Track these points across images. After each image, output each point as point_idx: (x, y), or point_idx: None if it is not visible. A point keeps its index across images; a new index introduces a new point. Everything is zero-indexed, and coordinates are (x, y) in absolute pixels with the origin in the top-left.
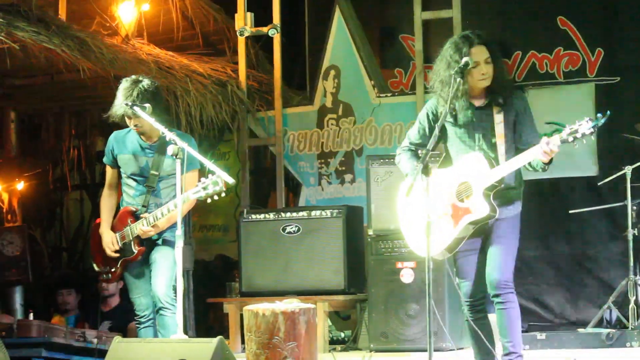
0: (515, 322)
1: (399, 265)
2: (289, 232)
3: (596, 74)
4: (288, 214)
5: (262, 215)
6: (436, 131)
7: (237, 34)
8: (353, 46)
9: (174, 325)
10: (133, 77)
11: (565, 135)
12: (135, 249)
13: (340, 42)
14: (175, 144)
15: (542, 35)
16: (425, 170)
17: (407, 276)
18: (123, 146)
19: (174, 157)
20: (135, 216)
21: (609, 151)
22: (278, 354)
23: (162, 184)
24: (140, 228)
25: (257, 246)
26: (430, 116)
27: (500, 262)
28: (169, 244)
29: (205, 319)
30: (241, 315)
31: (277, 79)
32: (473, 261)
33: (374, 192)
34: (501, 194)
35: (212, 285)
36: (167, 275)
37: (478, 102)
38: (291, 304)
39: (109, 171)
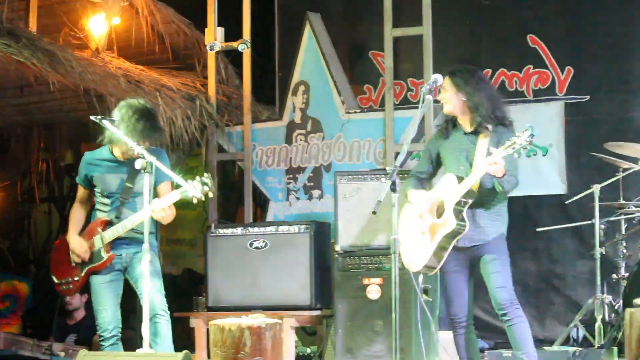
0: (526, 334)
1: (366, 281)
2: (257, 247)
3: (565, 93)
4: (256, 229)
5: (229, 230)
6: (405, 148)
7: (207, 48)
8: (323, 62)
9: (168, 333)
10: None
11: (505, 148)
12: (105, 255)
13: (310, 58)
14: (144, 157)
15: (512, 53)
16: (393, 187)
17: (373, 292)
18: (97, 166)
19: (143, 170)
20: (107, 225)
21: (577, 169)
22: None
23: (138, 199)
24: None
25: (225, 261)
26: (429, 145)
27: (501, 282)
28: (152, 256)
29: (172, 333)
30: (207, 330)
31: (247, 94)
32: (460, 280)
33: (342, 208)
34: (480, 215)
35: (179, 300)
36: (159, 283)
37: (467, 129)
38: (257, 319)
39: (81, 190)
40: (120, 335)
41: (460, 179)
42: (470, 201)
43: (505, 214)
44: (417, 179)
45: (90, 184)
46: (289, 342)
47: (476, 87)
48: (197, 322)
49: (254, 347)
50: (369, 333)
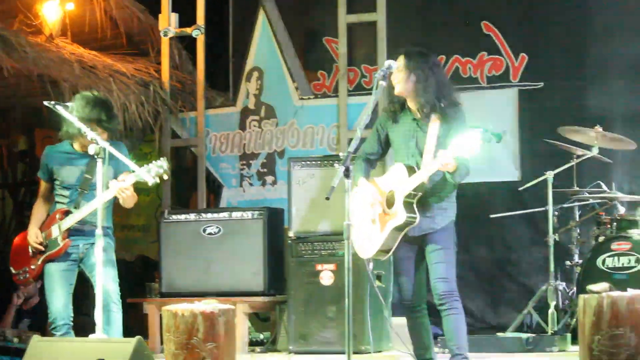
0: (461, 327)
1: (319, 267)
2: (210, 233)
3: (520, 79)
4: (209, 215)
5: (183, 216)
6: (358, 134)
7: (161, 34)
8: (277, 48)
9: (120, 322)
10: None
11: (457, 147)
12: (61, 242)
13: (264, 44)
14: (97, 143)
15: (466, 39)
16: (347, 173)
17: (326, 278)
18: (57, 159)
19: (96, 156)
20: (66, 214)
21: (531, 156)
22: (196, 355)
23: (97, 190)
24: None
25: (178, 247)
26: (378, 126)
27: (443, 273)
28: (108, 246)
29: (125, 319)
30: (160, 316)
31: (200, 80)
32: (411, 267)
33: (295, 194)
34: (430, 204)
35: (132, 286)
36: (114, 273)
37: (417, 114)
38: (210, 305)
39: (43, 184)
40: (71, 323)
41: (410, 169)
42: (420, 194)
43: (454, 201)
44: (367, 161)
45: (50, 177)
46: (242, 328)
47: (428, 72)
48: (150, 308)
49: (206, 333)
50: (322, 319)
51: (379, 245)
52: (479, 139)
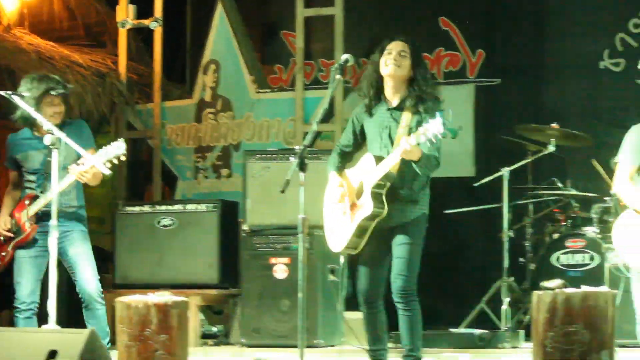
0: (416, 328)
1: (273, 260)
2: (164, 225)
3: (476, 75)
4: (163, 207)
5: (137, 208)
6: (314, 127)
7: (119, 26)
8: (234, 41)
9: (104, 316)
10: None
11: (417, 135)
12: (28, 228)
13: (222, 37)
14: (53, 133)
15: (423, 35)
16: (302, 166)
17: (280, 272)
18: (20, 146)
19: (52, 146)
20: (34, 199)
21: (486, 152)
22: (149, 347)
23: (61, 172)
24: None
25: (132, 239)
26: (354, 118)
27: (405, 270)
28: (84, 236)
29: (79, 311)
30: (114, 307)
31: (157, 71)
32: (376, 259)
33: (250, 187)
34: (400, 196)
35: None
36: (94, 270)
37: (392, 102)
38: (164, 297)
39: (11, 173)
40: (37, 310)
41: (379, 159)
42: (389, 184)
43: (427, 194)
44: (341, 154)
45: (17, 165)
46: (195, 321)
47: (423, 61)
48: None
49: (159, 325)
50: (275, 313)
51: (349, 236)
52: (440, 124)
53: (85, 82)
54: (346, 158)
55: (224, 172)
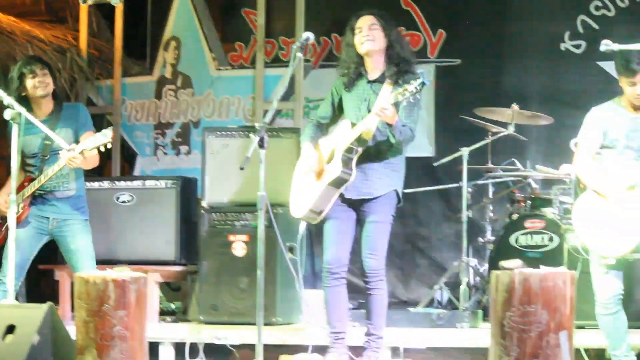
0: (380, 307)
1: (232, 238)
2: (123, 202)
3: (437, 56)
4: (122, 183)
5: (96, 184)
6: (274, 105)
7: (80, 1)
8: (195, 18)
9: None
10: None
11: (396, 94)
12: (21, 209)
13: (183, 14)
14: (13, 108)
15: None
16: (261, 143)
17: (239, 249)
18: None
19: (12, 121)
20: (31, 181)
21: (446, 133)
22: (107, 322)
23: (54, 157)
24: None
25: (91, 214)
26: (333, 90)
27: (373, 248)
28: (85, 227)
29: (37, 286)
30: (72, 283)
31: (118, 48)
32: (341, 229)
33: (209, 165)
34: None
35: (44, 252)
36: (94, 268)
37: (372, 75)
38: (122, 273)
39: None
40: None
41: (354, 125)
42: (360, 150)
43: (401, 170)
44: (318, 126)
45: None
46: (153, 297)
47: (394, 27)
48: (61, 275)
49: (117, 301)
50: (233, 290)
51: (313, 201)
52: (419, 86)
53: (46, 57)
54: (321, 130)
55: (184, 148)
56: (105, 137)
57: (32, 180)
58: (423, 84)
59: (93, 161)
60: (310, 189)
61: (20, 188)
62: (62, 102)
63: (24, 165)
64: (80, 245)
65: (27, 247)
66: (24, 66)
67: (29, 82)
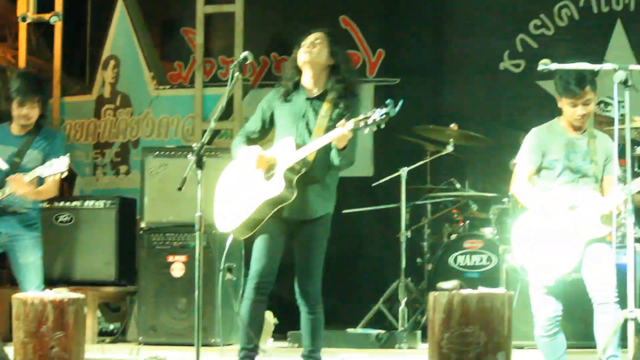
0: (318, 330)
1: (170, 258)
2: (62, 222)
3: (376, 75)
4: (61, 204)
5: None
6: (212, 125)
7: (19, 19)
8: (134, 37)
9: None
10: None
11: (358, 121)
12: None
13: (122, 32)
14: None
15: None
16: (199, 164)
17: (177, 270)
18: None
19: None
20: None
21: (385, 152)
22: (45, 344)
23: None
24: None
25: None
26: (263, 105)
27: (312, 274)
28: (36, 243)
29: None
30: (10, 304)
31: (57, 66)
32: (274, 245)
33: (148, 185)
34: (311, 188)
35: None
36: (40, 281)
37: (311, 93)
38: (60, 294)
39: None
40: None
41: (300, 147)
42: (304, 170)
43: (334, 193)
44: (248, 141)
45: None
46: (92, 318)
47: (342, 49)
48: None
49: (56, 322)
50: (172, 311)
51: (246, 216)
52: (383, 116)
53: None
54: (250, 145)
55: (123, 168)
56: (62, 165)
57: None
58: (387, 114)
59: (50, 190)
60: (242, 202)
61: None
62: (42, 125)
63: None
64: (29, 260)
65: None
66: (18, 93)
67: (15, 110)
